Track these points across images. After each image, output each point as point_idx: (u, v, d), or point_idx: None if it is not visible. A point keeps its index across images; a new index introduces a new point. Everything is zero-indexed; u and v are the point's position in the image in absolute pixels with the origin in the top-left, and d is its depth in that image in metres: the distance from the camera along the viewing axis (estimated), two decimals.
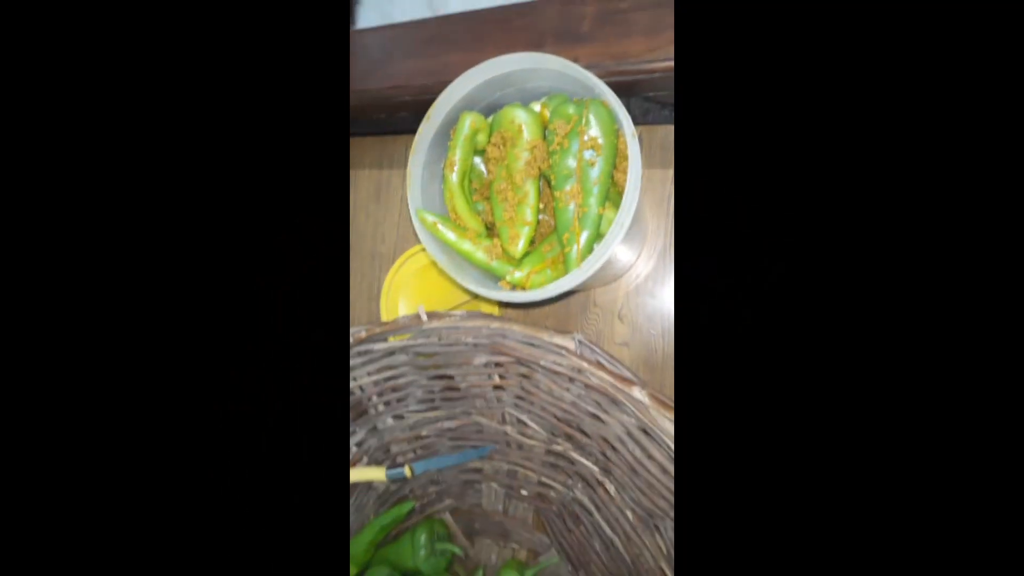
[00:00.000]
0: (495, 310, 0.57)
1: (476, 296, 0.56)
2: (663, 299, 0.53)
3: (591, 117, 0.39)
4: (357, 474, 0.51)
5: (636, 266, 0.54)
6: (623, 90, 0.52)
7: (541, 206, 0.44)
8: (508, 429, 0.52)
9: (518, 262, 0.42)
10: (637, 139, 0.38)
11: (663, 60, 0.49)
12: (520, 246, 0.41)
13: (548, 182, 0.43)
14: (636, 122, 0.56)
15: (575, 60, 0.51)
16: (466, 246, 0.42)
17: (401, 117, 0.60)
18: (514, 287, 0.41)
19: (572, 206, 0.40)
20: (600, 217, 0.40)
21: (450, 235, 0.42)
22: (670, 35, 0.49)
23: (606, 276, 0.53)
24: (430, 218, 0.42)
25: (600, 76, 0.50)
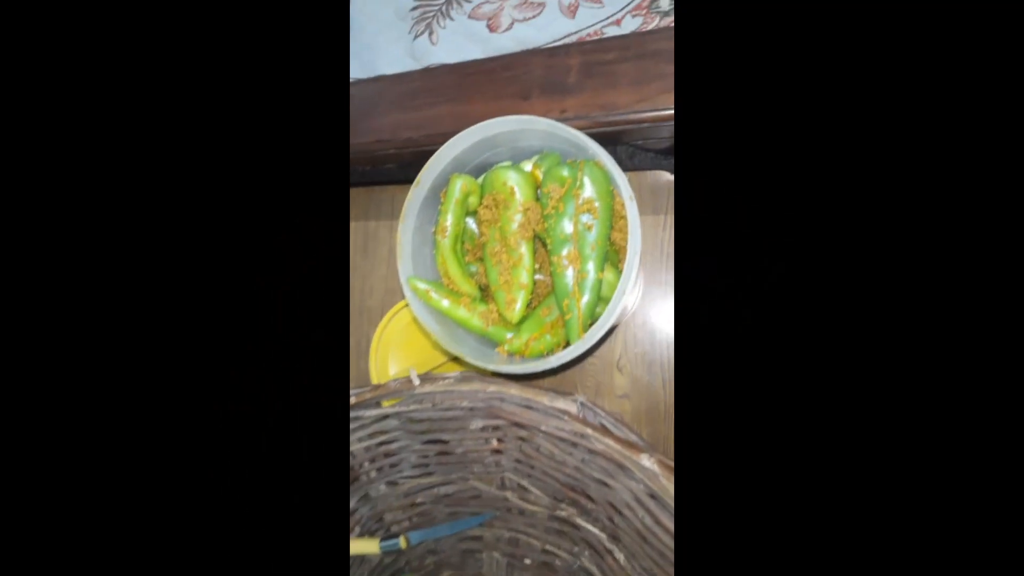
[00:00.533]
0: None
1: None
2: (662, 348, 0.52)
3: (586, 179, 0.38)
4: (350, 546, 0.48)
5: (634, 315, 0.53)
6: (610, 139, 0.52)
7: (537, 266, 0.42)
8: (508, 495, 0.49)
9: (516, 327, 0.40)
10: (635, 201, 0.37)
11: (650, 110, 0.49)
12: (517, 310, 0.40)
13: (543, 242, 0.42)
14: (624, 168, 0.56)
15: (563, 112, 0.51)
16: (461, 313, 0.40)
17: (387, 168, 0.59)
18: (512, 354, 0.39)
19: (570, 272, 0.38)
20: (600, 281, 0.39)
21: (444, 302, 0.40)
22: (656, 85, 0.48)
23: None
24: (422, 286, 0.40)
25: (588, 127, 0.50)
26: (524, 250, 0.40)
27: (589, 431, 0.41)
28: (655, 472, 0.39)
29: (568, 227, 0.38)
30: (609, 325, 0.37)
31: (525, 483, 0.48)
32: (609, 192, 0.39)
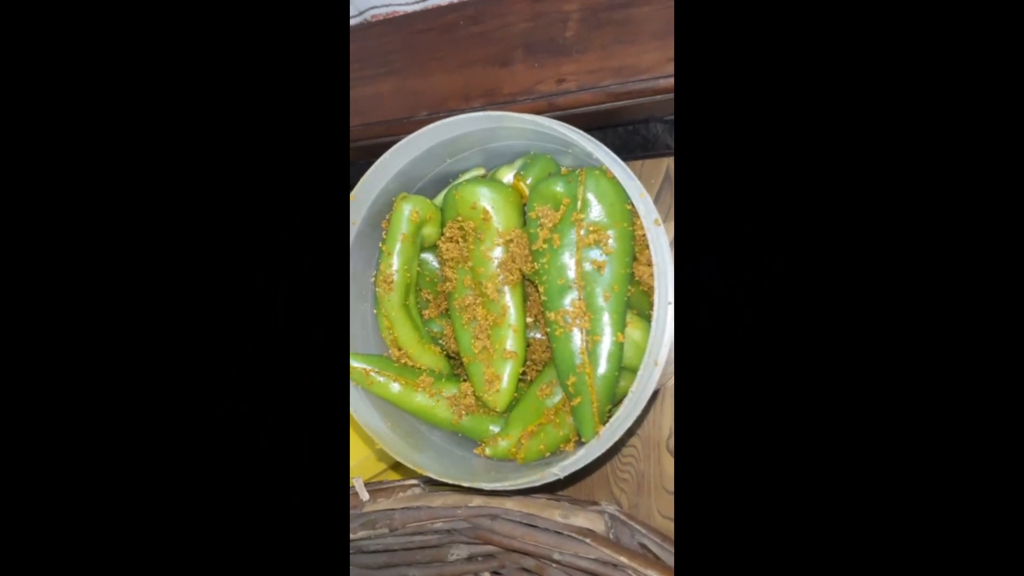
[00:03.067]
0: None
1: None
2: None
3: (589, 196, 0.25)
4: None
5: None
6: (629, 116, 0.38)
7: (530, 320, 0.29)
8: None
9: (501, 415, 0.28)
10: (662, 227, 0.24)
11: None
12: (503, 390, 0.28)
13: (535, 287, 0.29)
14: (664, 151, 0.41)
15: (560, 82, 0.37)
16: (419, 399, 0.28)
17: None
18: (497, 459, 0.27)
19: (576, 334, 0.25)
20: (620, 346, 0.26)
21: (393, 387, 0.28)
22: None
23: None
24: (358, 365, 0.28)
25: (599, 101, 0.36)
26: (509, 300, 0.28)
27: (624, 559, 0.29)
28: None
29: (570, 266, 0.25)
30: (639, 411, 0.24)
31: None
32: (625, 212, 0.26)
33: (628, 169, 0.25)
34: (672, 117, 0.40)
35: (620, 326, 0.26)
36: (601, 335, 0.26)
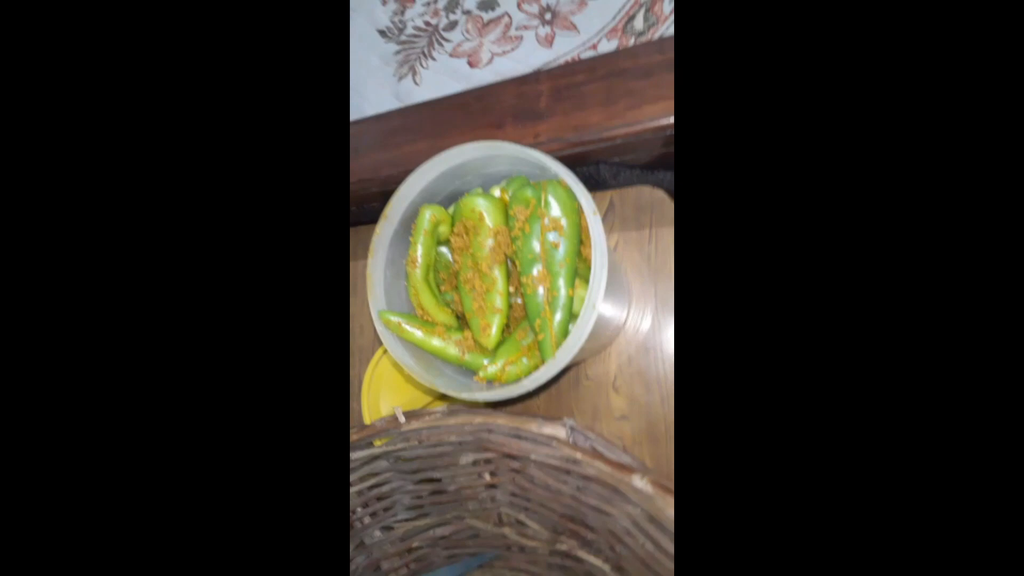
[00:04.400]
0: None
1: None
2: (659, 363, 0.50)
3: (550, 198, 0.38)
4: None
5: (626, 331, 0.51)
6: (586, 159, 0.52)
7: (512, 290, 0.42)
8: (507, 531, 0.47)
9: (492, 353, 0.40)
10: (599, 216, 0.36)
11: (622, 126, 0.49)
12: (492, 335, 0.39)
13: (515, 264, 0.41)
14: (607, 186, 0.56)
15: (536, 136, 0.51)
16: (435, 343, 0.40)
17: (371, 207, 0.60)
18: (490, 381, 0.39)
19: (540, 290, 0.38)
20: (571, 299, 0.38)
21: (417, 333, 0.40)
22: (624, 102, 0.49)
23: (594, 347, 0.51)
24: (394, 319, 0.40)
25: (561, 149, 0.50)
26: (497, 274, 0.40)
27: (579, 456, 0.40)
28: (649, 494, 0.37)
29: (536, 247, 0.38)
30: (583, 340, 0.35)
31: (522, 517, 0.46)
32: (575, 210, 0.38)
33: (577, 180, 0.38)
34: (614, 160, 0.54)
35: (571, 285, 0.38)
36: (558, 291, 0.38)
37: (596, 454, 0.38)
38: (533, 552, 0.47)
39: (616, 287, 0.48)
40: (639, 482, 0.37)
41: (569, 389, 0.52)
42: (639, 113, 0.48)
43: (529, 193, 0.38)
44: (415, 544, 0.49)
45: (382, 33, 0.75)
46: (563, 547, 0.45)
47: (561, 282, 0.37)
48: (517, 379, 0.38)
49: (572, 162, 0.51)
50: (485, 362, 0.39)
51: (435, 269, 0.43)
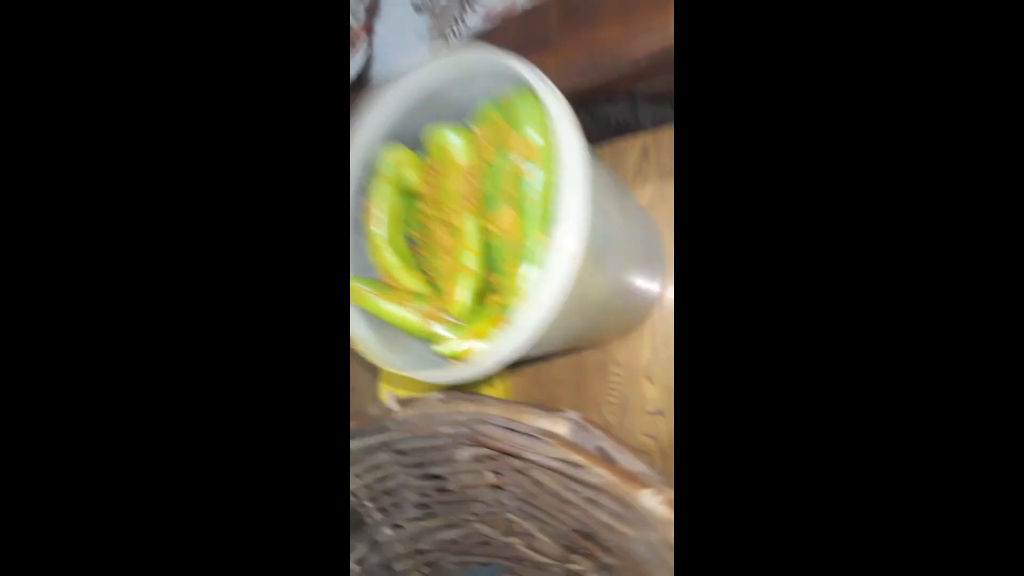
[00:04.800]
0: (493, 381, 0.46)
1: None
2: None
3: (521, 115, 0.29)
4: None
5: (662, 306, 0.40)
6: (607, 94, 0.42)
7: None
8: (515, 542, 0.39)
9: (463, 325, 0.32)
10: (576, 128, 0.27)
11: (644, 46, 0.38)
12: (457, 299, 0.31)
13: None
14: (638, 127, 0.45)
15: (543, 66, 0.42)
16: (393, 309, 0.33)
17: None
18: (455, 358, 0.31)
19: (510, 239, 0.29)
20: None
21: (381, 303, 0.33)
22: (648, 16, 0.38)
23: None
24: (358, 286, 0.34)
25: (571, 80, 0.41)
26: (471, 227, 0.32)
27: (580, 458, 0.30)
28: (662, 518, 0.27)
29: (503, 180, 0.29)
30: (554, 298, 0.26)
31: (530, 527, 0.38)
32: (545, 124, 0.29)
33: (548, 83, 0.27)
34: (654, 95, 0.43)
35: (544, 227, 0.29)
36: (525, 235, 0.29)
37: (601, 458, 0.29)
38: (546, 569, 0.38)
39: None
40: (649, 500, 0.27)
41: (595, 377, 0.43)
42: (667, 19, 0.37)
43: (496, 113, 0.30)
44: (424, 547, 0.43)
45: (416, 8, 0.73)
46: (577, 567, 0.36)
47: (531, 223, 0.28)
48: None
49: (588, 98, 0.41)
50: (450, 335, 0.31)
51: (405, 226, 0.36)
